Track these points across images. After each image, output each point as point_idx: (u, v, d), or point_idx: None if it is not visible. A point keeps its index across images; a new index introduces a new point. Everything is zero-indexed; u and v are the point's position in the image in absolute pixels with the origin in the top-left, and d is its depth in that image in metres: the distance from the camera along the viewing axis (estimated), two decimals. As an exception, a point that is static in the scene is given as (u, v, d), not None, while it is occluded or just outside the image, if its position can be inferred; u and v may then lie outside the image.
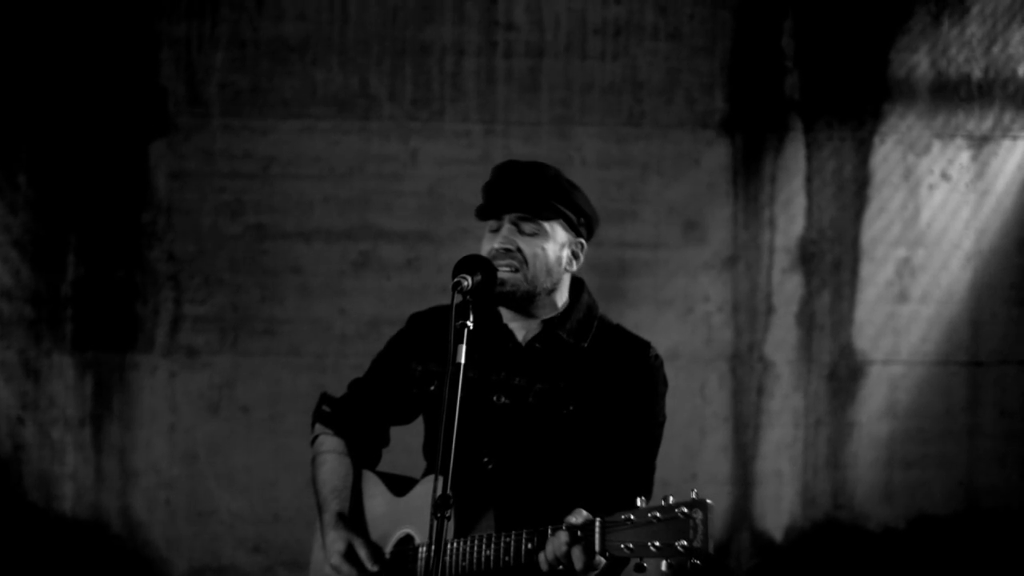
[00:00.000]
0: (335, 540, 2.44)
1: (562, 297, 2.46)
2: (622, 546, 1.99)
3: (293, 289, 4.78)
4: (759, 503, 4.82)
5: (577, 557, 2.06)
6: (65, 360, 4.77)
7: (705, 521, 1.92)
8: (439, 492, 1.97)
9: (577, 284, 2.51)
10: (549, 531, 2.12)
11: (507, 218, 2.39)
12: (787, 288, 4.84)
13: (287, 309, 4.78)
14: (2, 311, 4.76)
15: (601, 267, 4.74)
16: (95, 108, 4.76)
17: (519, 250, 2.37)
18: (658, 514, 1.96)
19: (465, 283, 2.19)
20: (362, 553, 2.40)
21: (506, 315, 2.33)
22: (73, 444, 4.77)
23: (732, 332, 4.82)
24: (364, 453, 2.63)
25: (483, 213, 2.45)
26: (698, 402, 4.76)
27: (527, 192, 2.40)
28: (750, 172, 4.84)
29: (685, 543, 1.91)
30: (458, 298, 2.16)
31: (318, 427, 2.66)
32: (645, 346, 2.44)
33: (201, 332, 4.78)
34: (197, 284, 4.79)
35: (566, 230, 2.43)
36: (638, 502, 2.01)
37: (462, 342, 2.08)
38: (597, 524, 2.04)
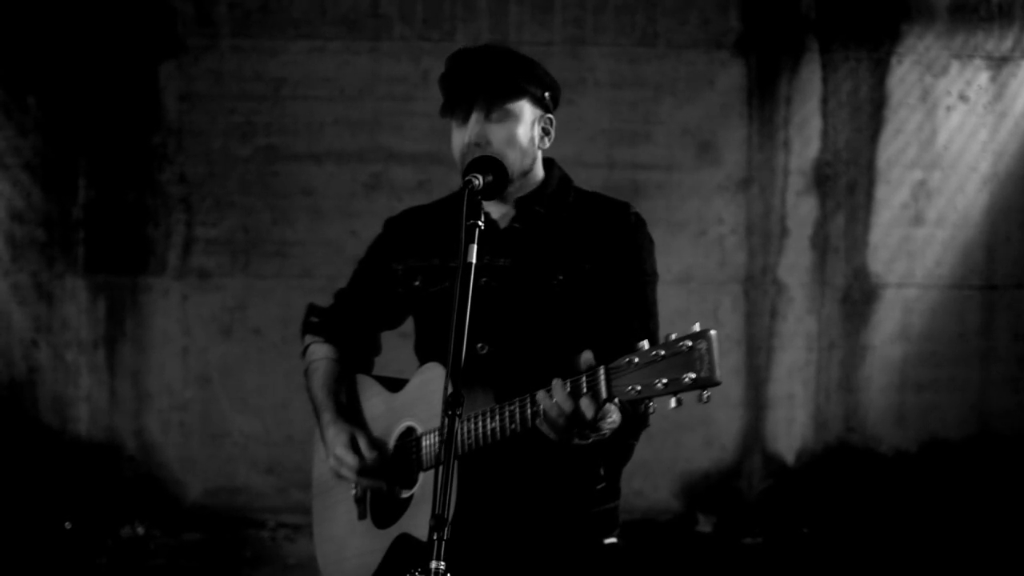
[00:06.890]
0: (337, 434, 2.44)
1: (537, 175, 2.44)
2: (629, 388, 1.94)
3: (304, 211, 4.76)
4: (771, 426, 4.82)
5: (587, 406, 2.01)
6: (78, 283, 4.77)
7: (710, 350, 1.87)
8: (450, 390, 1.95)
9: (548, 161, 2.48)
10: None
11: (474, 108, 2.35)
12: (801, 210, 4.80)
13: (298, 231, 4.77)
14: (14, 234, 4.76)
15: (614, 188, 4.65)
16: (104, 29, 4.71)
17: (489, 143, 2.34)
18: (662, 351, 1.91)
19: (476, 182, 2.18)
20: (363, 443, 2.40)
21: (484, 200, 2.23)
22: (87, 366, 4.78)
23: (746, 254, 4.79)
24: (356, 360, 2.62)
25: (447, 110, 2.40)
26: (711, 324, 4.71)
27: (489, 76, 2.35)
28: (765, 93, 4.78)
29: (693, 375, 1.87)
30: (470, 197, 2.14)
31: (308, 337, 2.65)
32: (624, 206, 2.41)
33: (213, 254, 4.78)
34: (208, 206, 4.77)
35: (533, 106, 2.39)
36: (641, 345, 1.95)
37: (473, 241, 2.06)
38: (601, 370, 2.00)
